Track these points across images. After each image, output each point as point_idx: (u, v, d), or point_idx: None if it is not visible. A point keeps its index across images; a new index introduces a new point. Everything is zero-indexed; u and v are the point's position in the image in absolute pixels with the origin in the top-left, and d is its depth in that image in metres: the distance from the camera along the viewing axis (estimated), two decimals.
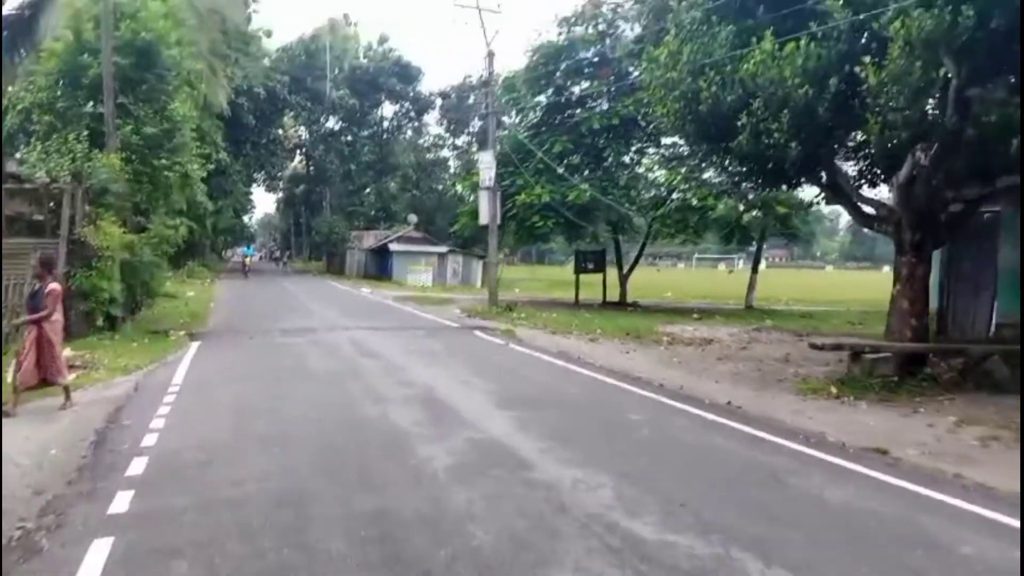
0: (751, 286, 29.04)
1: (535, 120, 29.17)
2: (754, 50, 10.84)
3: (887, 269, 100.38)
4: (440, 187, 74.64)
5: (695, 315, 23.08)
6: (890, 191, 11.51)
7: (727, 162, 12.86)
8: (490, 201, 23.80)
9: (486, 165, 23.89)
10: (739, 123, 10.99)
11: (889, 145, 10.09)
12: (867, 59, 9.38)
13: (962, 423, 8.22)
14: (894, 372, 10.19)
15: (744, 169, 12.74)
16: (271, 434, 7.05)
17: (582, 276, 28.25)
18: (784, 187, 14.69)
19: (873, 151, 10.95)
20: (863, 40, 10.38)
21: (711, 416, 8.38)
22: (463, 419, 7.77)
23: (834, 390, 9.93)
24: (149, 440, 6.91)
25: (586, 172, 25.78)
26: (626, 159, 27.99)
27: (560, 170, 25.58)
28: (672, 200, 26.50)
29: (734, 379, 11.16)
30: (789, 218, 25.54)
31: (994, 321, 14.11)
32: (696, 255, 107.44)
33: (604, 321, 19.77)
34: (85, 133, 15.61)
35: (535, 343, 15.08)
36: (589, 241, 30.67)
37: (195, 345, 13.89)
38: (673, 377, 11.17)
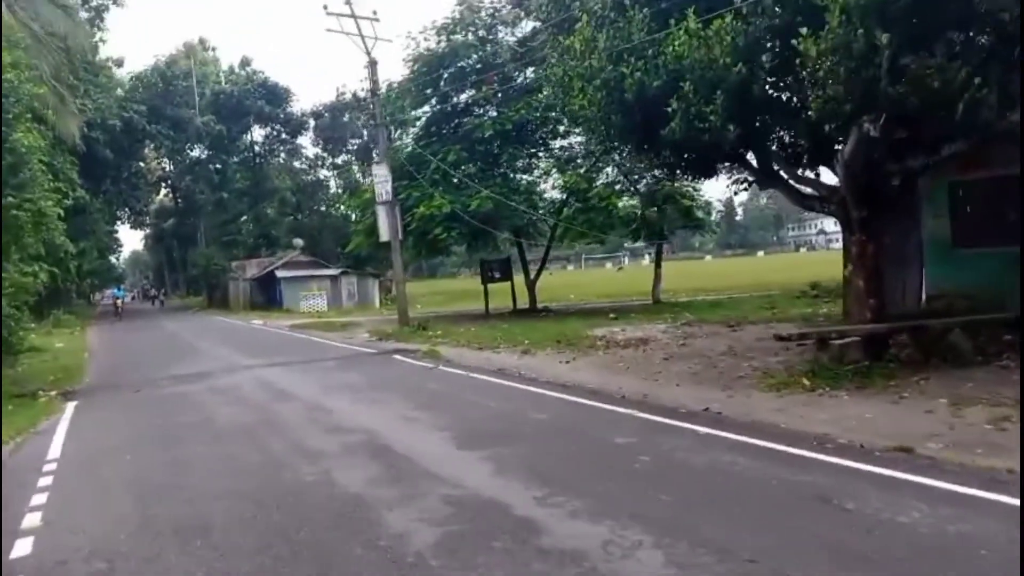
0: (657, 280, 28.73)
1: (421, 132, 28.02)
2: (677, 31, 10.12)
3: (761, 254, 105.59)
4: (323, 208, 71.99)
5: (611, 315, 22.42)
6: (836, 169, 10.98)
7: (656, 153, 12.10)
8: (389, 216, 22.28)
9: (382, 179, 22.35)
10: (669, 109, 10.24)
11: (829, 122, 9.59)
12: (804, 31, 8.79)
13: (957, 405, 7.63)
14: (863, 357, 9.63)
15: (674, 159, 12.06)
16: (186, 521, 5.49)
17: (488, 286, 27.18)
18: (708, 176, 14.08)
19: (813, 128, 10.40)
20: (794, 12, 9.83)
21: (699, 428, 7.41)
22: (425, 469, 6.44)
23: (807, 382, 9.21)
24: (22, 548, 5.21)
25: (484, 180, 24.70)
26: (520, 164, 27.33)
27: (457, 179, 24.48)
28: (572, 202, 25.87)
29: (694, 380, 10.33)
30: (692, 211, 25.48)
31: (924, 293, 14.05)
32: (584, 256, 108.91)
33: (526, 330, 18.72)
34: None
35: (466, 363, 13.80)
36: (490, 250, 29.81)
37: (71, 406, 11.78)
38: (630, 385, 10.21)
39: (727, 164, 12.77)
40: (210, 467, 7.16)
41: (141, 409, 11.30)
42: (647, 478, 5.81)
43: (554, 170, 27.33)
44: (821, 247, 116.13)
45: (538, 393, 10.19)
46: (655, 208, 25.81)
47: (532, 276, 28.69)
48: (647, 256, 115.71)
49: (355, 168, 73.74)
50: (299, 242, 50.32)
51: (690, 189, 25.37)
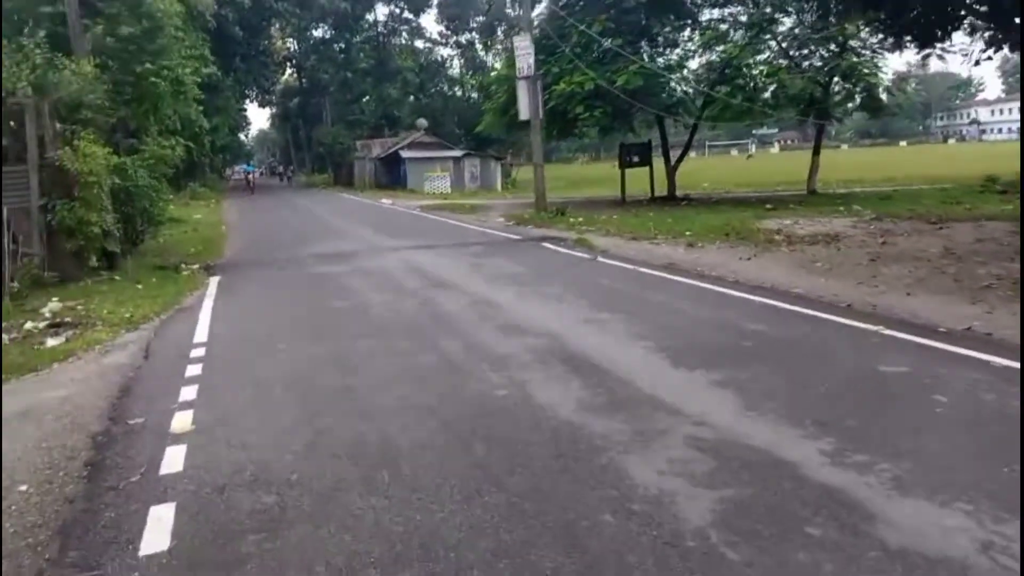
0: (814, 169, 25.84)
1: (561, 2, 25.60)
2: None
3: (903, 144, 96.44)
4: (445, 89, 70.78)
5: (768, 206, 20.25)
6: None
7: (892, 8, 9.83)
8: (530, 92, 20.52)
9: (524, 51, 20.43)
10: None
11: None
12: None
13: None
14: None
15: (910, 15, 9.77)
16: (365, 443, 4.46)
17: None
18: (933, 41, 11.52)
19: None
20: None
21: (985, 356, 5.65)
22: (645, 393, 5.14)
23: None
24: (173, 460, 4.34)
25: (631, 54, 22.31)
26: (669, 37, 24.67)
27: (599, 54, 22.23)
28: (729, 76, 23.13)
29: (924, 288, 8.49)
30: (875, 88, 22.34)
31: None
32: (708, 143, 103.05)
33: (676, 220, 17.00)
34: (42, 34, 12.73)
35: (626, 254, 12.36)
36: (626, 134, 27.70)
37: (214, 282, 11.29)
38: (843, 291, 8.53)
39: (971, 24, 10.29)
40: (378, 367, 6.16)
41: (288, 289, 10.64)
42: (968, 433, 4.25)
43: (706, 45, 24.54)
44: (973, 138, 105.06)
45: (735, 296, 8.64)
46: (822, 86, 22.92)
47: (673, 162, 26.43)
48: (776, 144, 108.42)
49: (479, 47, 71.51)
50: (423, 122, 49.32)
51: (873, 65, 22.16)
